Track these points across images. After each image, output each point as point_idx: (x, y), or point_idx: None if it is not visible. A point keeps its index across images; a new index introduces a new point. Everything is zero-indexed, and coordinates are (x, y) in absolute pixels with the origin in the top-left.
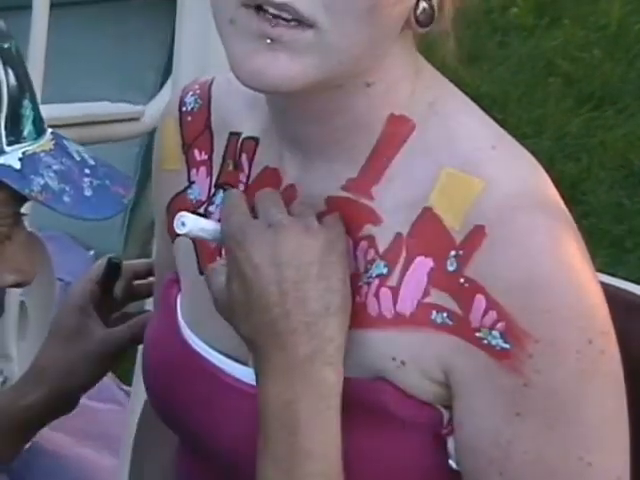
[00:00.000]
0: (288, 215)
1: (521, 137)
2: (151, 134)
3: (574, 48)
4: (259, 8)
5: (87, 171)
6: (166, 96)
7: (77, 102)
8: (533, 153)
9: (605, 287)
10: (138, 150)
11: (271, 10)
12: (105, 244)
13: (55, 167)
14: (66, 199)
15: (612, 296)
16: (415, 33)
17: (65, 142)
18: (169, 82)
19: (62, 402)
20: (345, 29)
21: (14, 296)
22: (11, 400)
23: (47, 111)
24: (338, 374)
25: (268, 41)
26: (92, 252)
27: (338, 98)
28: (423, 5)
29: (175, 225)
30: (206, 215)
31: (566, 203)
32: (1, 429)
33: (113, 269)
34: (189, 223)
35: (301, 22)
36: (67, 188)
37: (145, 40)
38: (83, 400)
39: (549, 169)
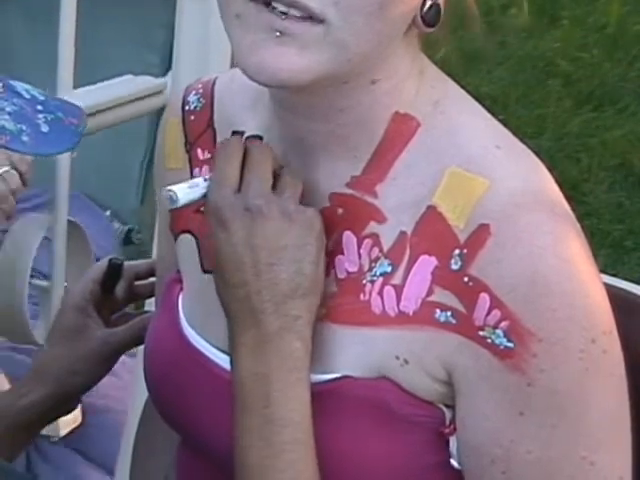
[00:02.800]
0: (269, 195)
1: (521, 137)
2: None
3: (574, 48)
4: (268, 4)
5: (39, 107)
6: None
7: (95, 67)
8: (533, 153)
9: (605, 287)
10: (149, 126)
11: (280, 8)
12: (122, 203)
13: (8, 109)
14: (25, 139)
15: (612, 296)
16: (420, 33)
17: (11, 82)
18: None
19: (62, 402)
20: (355, 25)
21: (59, 285)
22: (11, 400)
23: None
24: (306, 348)
25: (277, 34)
26: (108, 212)
27: (343, 95)
28: (429, 3)
29: (166, 201)
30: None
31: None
32: (1, 429)
33: (114, 269)
34: (180, 195)
35: (311, 18)
36: (24, 127)
37: (157, 11)
38: None
39: (549, 169)
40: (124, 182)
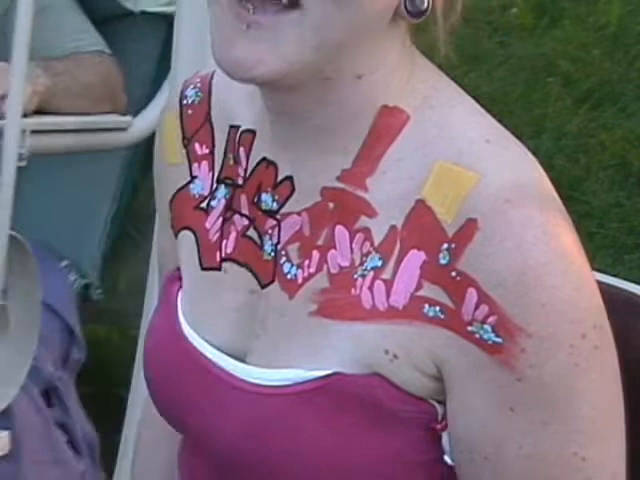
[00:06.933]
0: None
1: (520, 137)
2: (137, 146)
3: (574, 48)
4: None
5: None
6: (156, 109)
7: None
8: (533, 153)
9: (605, 287)
10: (122, 160)
11: None
12: (81, 253)
13: None
14: None
15: (612, 296)
16: (409, 25)
17: None
18: (158, 95)
19: None
20: (327, 9)
21: None
22: None
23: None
24: None
25: (244, 27)
26: (65, 263)
27: (327, 90)
28: None
29: None
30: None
31: (566, 203)
32: None
33: None
34: None
35: (284, 6)
36: None
37: (133, 54)
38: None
39: (549, 169)
40: (86, 229)
